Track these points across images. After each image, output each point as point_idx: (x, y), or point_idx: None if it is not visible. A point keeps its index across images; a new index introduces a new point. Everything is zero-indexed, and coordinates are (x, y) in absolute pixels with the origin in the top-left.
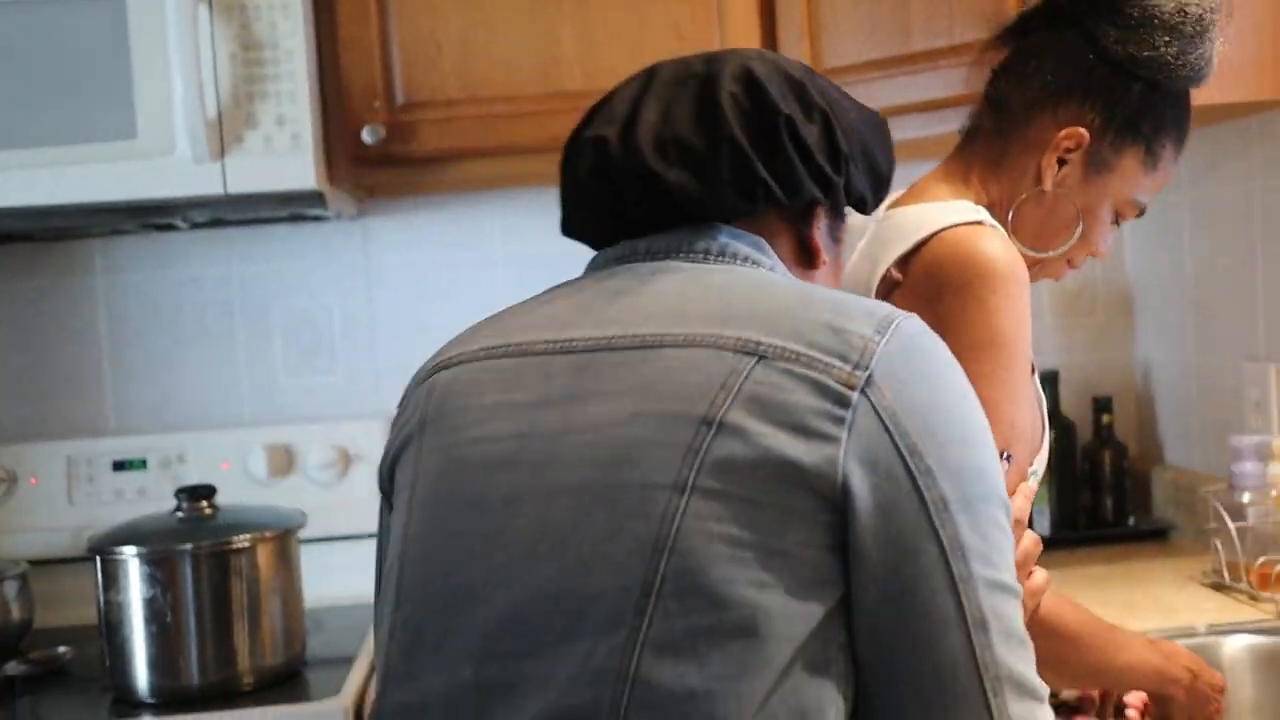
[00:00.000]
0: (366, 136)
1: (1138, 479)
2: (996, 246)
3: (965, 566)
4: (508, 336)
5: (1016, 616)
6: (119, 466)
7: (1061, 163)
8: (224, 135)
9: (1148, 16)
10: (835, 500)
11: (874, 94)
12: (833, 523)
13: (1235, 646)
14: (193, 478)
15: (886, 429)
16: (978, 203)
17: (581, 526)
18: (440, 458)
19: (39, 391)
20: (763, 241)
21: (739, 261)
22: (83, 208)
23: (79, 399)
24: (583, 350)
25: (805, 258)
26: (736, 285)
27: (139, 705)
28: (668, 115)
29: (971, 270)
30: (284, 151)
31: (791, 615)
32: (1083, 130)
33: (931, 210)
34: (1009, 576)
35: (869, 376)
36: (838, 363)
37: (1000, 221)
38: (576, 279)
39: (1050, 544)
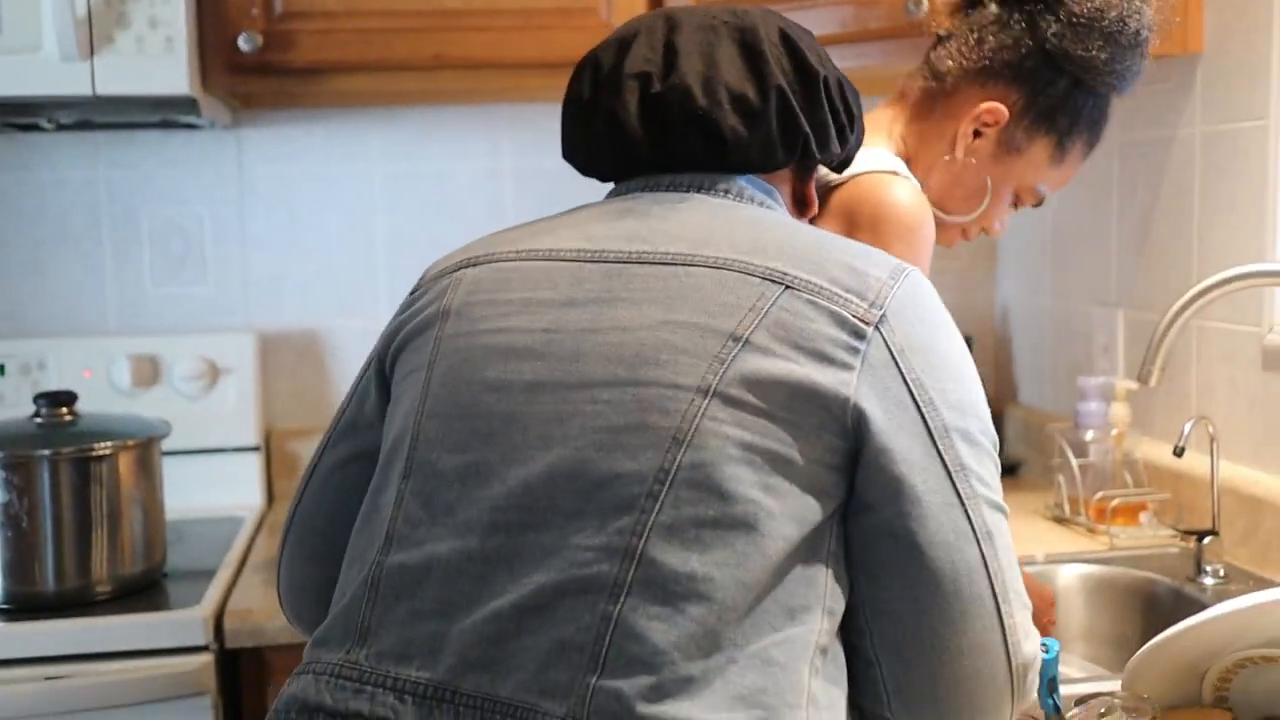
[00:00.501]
0: (243, 44)
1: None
2: (909, 195)
3: (969, 485)
4: (538, 242)
5: (1009, 535)
6: None
7: (977, 134)
8: (94, 34)
9: (1091, 19)
10: (844, 421)
11: None
12: (838, 444)
13: (1069, 575)
14: (53, 385)
15: (895, 362)
16: (896, 154)
17: (602, 416)
18: (463, 342)
19: None
20: (775, 190)
21: (756, 205)
22: None
23: None
24: (614, 261)
25: (800, 208)
26: (761, 222)
27: None
28: (711, 59)
29: (882, 214)
30: (156, 54)
31: (790, 518)
32: (1003, 108)
33: None
34: (1001, 500)
35: (883, 315)
36: (855, 299)
37: (915, 177)
38: (602, 201)
39: None
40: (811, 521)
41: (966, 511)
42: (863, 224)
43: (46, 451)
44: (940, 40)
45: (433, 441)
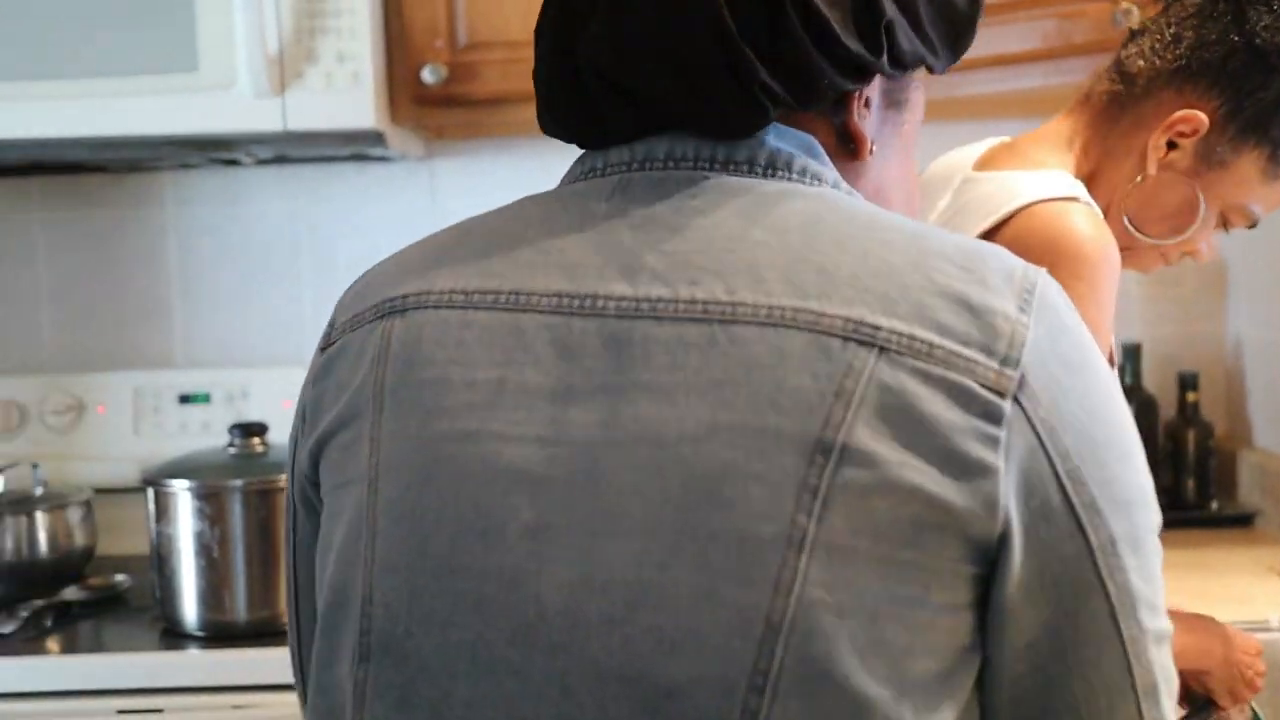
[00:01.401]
0: (427, 76)
1: (1223, 461)
2: (1088, 227)
3: (1136, 623)
4: (497, 276)
5: (1173, 671)
6: (184, 399)
7: (1172, 145)
8: (284, 71)
9: None
10: (989, 549)
11: None
12: (977, 575)
13: None
14: (254, 414)
15: (1045, 450)
16: (1077, 173)
17: (654, 588)
18: (416, 451)
19: (110, 322)
20: (813, 141)
21: (796, 176)
22: (144, 139)
23: (149, 331)
24: (616, 314)
25: (847, 149)
26: (816, 222)
27: (186, 637)
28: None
29: (1059, 251)
30: (344, 89)
31: (938, 707)
32: (1202, 115)
33: (1022, 180)
34: (1166, 622)
35: (1021, 378)
36: (981, 358)
37: (1098, 197)
38: (573, 188)
39: None
40: (961, 699)
41: (1128, 660)
42: (1036, 262)
43: (237, 482)
44: (1133, 36)
45: (396, 610)
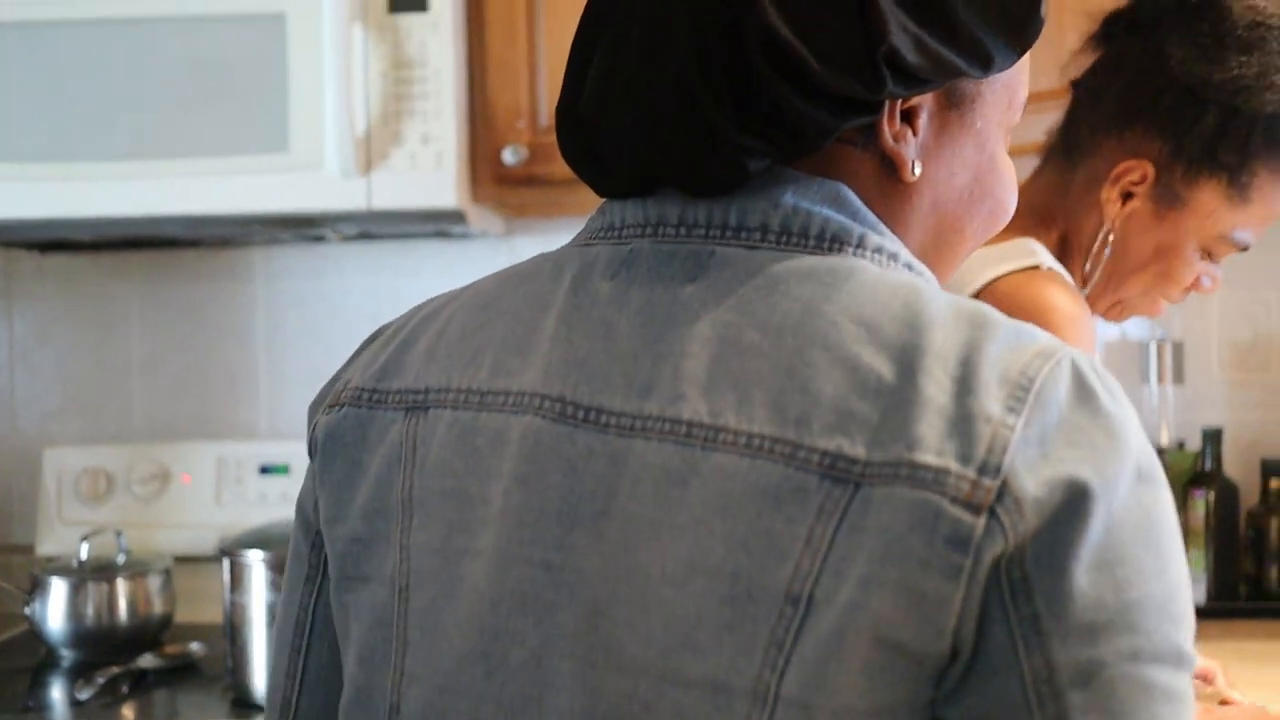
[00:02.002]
0: (508, 157)
1: None
2: (1051, 292)
3: None
4: (508, 375)
5: None
6: (264, 470)
7: (1128, 195)
8: (371, 151)
9: (1220, 34)
10: (944, 673)
11: None
12: (935, 698)
13: None
14: None
15: (1010, 564)
16: (1046, 237)
17: None
18: (440, 566)
19: (198, 393)
20: (839, 189)
21: (814, 243)
22: (236, 218)
23: (235, 402)
24: (615, 429)
25: (889, 173)
26: (814, 317)
27: (255, 708)
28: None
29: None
30: (427, 169)
31: None
32: (1146, 163)
33: (979, 258)
34: None
35: (1003, 486)
36: (955, 466)
37: (1066, 258)
38: (587, 255)
39: (1205, 614)
40: None
41: None
42: None
43: None
44: (1074, 87)
45: (432, 710)
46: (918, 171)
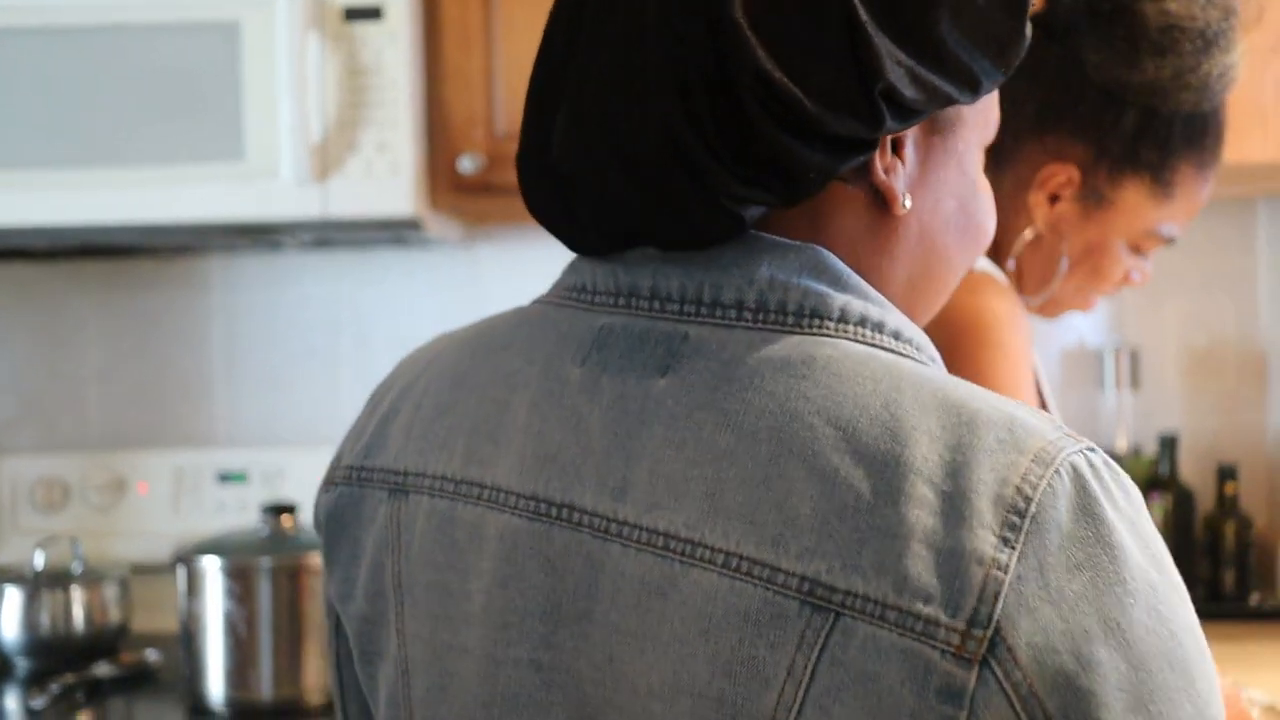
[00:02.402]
0: (465, 165)
1: (1264, 554)
2: (986, 296)
3: None
4: (480, 464)
5: None
6: (223, 478)
7: (1055, 199)
8: (326, 160)
9: (1134, 38)
10: None
11: None
12: None
13: None
14: (291, 493)
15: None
16: None
17: None
18: (431, 659)
19: (154, 402)
20: (819, 255)
21: (792, 320)
22: (191, 226)
23: (192, 411)
24: (589, 530)
25: (880, 208)
26: (791, 420)
27: (211, 715)
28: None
29: (959, 326)
30: (383, 177)
31: None
32: (1070, 166)
33: None
34: None
35: (994, 636)
36: (944, 616)
37: (999, 260)
38: (560, 329)
39: None
40: None
41: None
42: (941, 343)
43: (266, 561)
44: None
45: None
46: (908, 204)
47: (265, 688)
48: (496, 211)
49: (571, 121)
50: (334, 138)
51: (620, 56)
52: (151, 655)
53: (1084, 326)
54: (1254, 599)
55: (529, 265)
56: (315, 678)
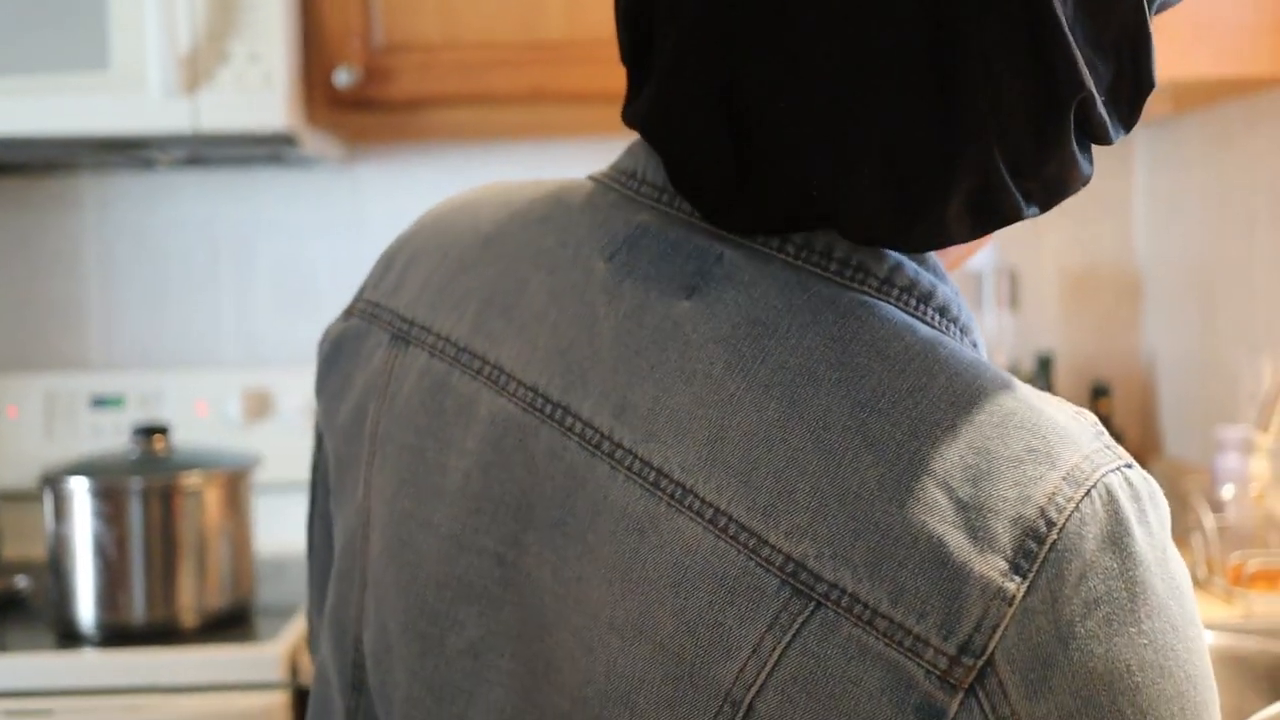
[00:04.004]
0: (341, 78)
1: None
2: None
3: None
4: (488, 337)
5: None
6: (97, 403)
7: None
8: (196, 70)
9: None
10: None
11: None
12: None
13: None
14: (168, 417)
15: None
16: None
17: None
18: (387, 521)
19: (25, 324)
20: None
21: (834, 269)
22: (54, 139)
23: (64, 333)
24: (579, 439)
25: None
26: (809, 382)
27: (81, 639)
28: None
29: None
30: (255, 90)
31: None
32: None
33: None
34: None
35: (985, 667)
36: (935, 637)
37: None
38: (595, 217)
39: None
40: None
41: None
42: None
43: (137, 482)
44: None
45: (374, 664)
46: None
47: (137, 610)
48: (377, 128)
49: (799, 89)
50: (203, 48)
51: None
52: (21, 581)
53: None
54: None
55: (411, 185)
56: (189, 599)
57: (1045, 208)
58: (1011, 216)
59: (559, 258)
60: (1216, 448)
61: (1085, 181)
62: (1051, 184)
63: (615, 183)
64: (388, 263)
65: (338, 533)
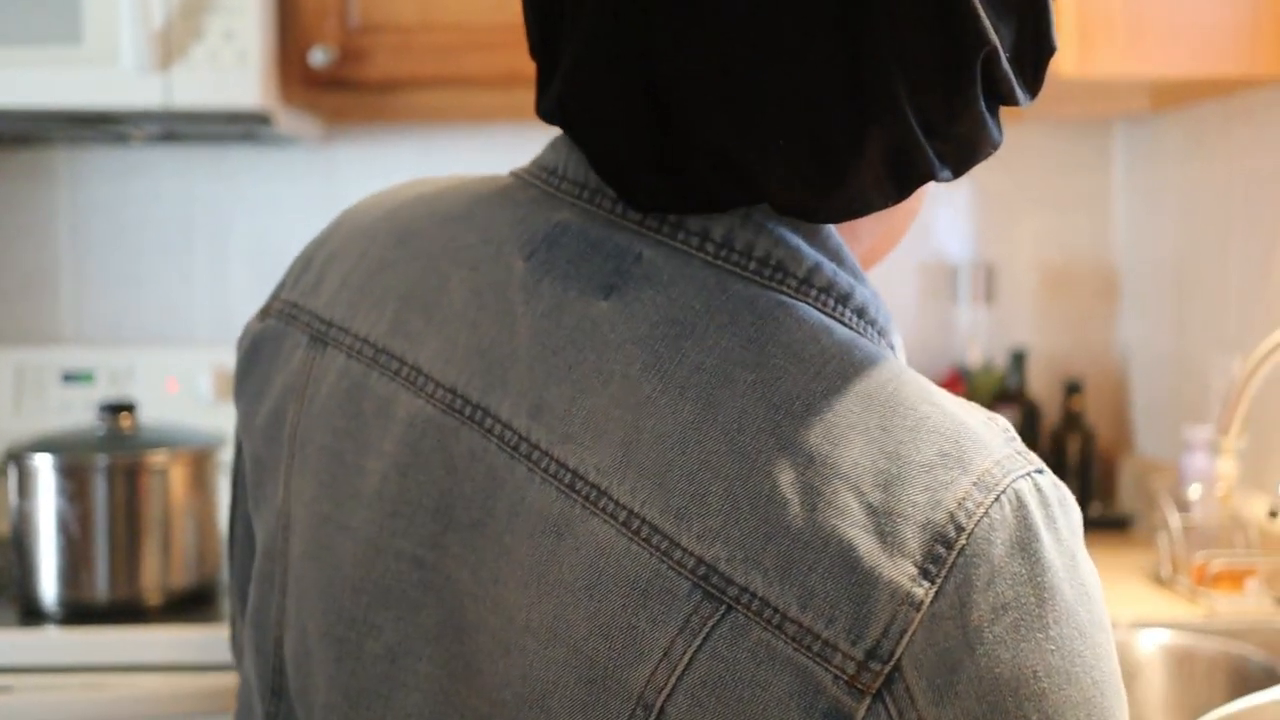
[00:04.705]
0: (317, 57)
1: (1106, 466)
2: None
3: None
4: (406, 337)
5: None
6: (68, 378)
7: None
8: (170, 46)
9: None
10: None
11: None
12: None
13: (1149, 644)
14: (139, 394)
15: None
16: None
17: None
18: (306, 524)
19: None
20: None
21: (753, 269)
22: (25, 112)
23: (36, 307)
24: (498, 441)
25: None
26: (723, 384)
27: (44, 617)
28: None
29: None
30: (229, 67)
31: None
32: None
33: None
34: None
35: (893, 673)
36: (843, 642)
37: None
38: (515, 213)
39: None
40: None
41: None
42: None
43: (100, 459)
44: None
45: (301, 667)
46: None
47: (101, 588)
48: (354, 108)
49: (703, 55)
50: (177, 24)
51: None
52: None
53: (941, 241)
54: (1095, 509)
55: (387, 165)
56: (153, 578)
57: (958, 172)
58: (926, 174)
59: (480, 255)
60: (1184, 447)
61: (995, 147)
62: (964, 145)
63: (536, 179)
64: (306, 261)
65: (258, 536)
